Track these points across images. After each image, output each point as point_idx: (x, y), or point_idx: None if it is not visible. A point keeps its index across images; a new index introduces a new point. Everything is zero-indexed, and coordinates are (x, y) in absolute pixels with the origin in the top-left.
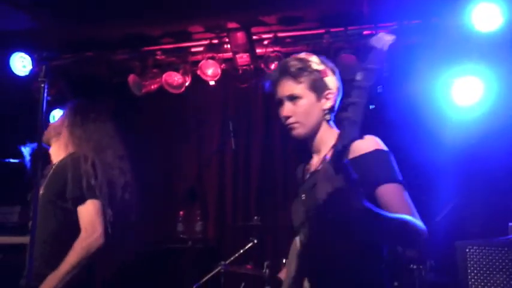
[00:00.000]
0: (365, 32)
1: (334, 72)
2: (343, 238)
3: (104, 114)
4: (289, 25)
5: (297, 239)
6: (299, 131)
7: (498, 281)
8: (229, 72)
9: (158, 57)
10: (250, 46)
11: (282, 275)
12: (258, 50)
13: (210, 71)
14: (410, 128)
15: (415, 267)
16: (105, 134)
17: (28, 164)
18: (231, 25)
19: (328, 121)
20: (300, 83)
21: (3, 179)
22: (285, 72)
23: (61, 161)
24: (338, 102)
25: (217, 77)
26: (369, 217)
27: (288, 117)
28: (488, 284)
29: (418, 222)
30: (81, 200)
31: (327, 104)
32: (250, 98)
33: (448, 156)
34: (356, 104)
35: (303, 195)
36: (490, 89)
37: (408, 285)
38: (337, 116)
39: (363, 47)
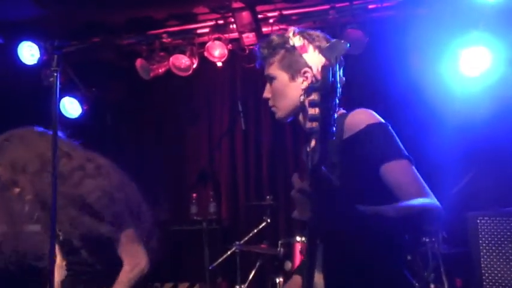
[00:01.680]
0: (370, 6)
1: (319, 48)
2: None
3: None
4: (294, 2)
5: None
6: (278, 114)
7: (510, 250)
8: (236, 52)
9: (164, 40)
10: (256, 25)
11: None
12: (264, 29)
13: (217, 52)
14: (417, 100)
15: (427, 240)
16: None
17: None
18: (236, 5)
19: None
20: (273, 62)
21: None
22: (261, 52)
23: None
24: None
25: (224, 57)
26: (364, 222)
27: (267, 100)
28: (500, 254)
29: (428, 199)
30: (116, 240)
31: (305, 84)
32: (258, 77)
33: (456, 128)
34: (318, 121)
35: None
36: (498, 59)
37: (421, 258)
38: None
39: (368, 21)
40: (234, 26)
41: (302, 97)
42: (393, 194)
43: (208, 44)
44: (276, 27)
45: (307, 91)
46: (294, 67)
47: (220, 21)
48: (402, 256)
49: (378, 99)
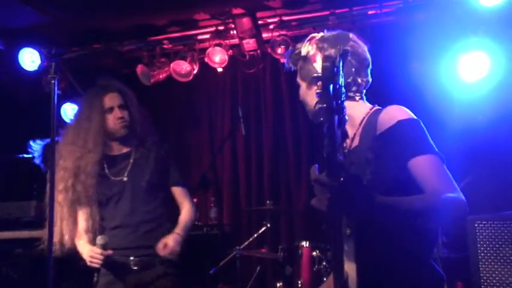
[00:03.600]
0: (370, 12)
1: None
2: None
3: None
4: (294, 8)
5: None
6: (310, 117)
7: (507, 254)
8: (237, 58)
9: (165, 46)
10: (256, 31)
11: None
12: (264, 35)
13: (218, 58)
14: (416, 105)
15: None
16: None
17: (39, 160)
18: (236, 11)
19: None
20: (296, 71)
21: (18, 174)
22: (288, 62)
23: (156, 150)
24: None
25: (225, 63)
26: (379, 213)
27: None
28: (498, 258)
29: (452, 194)
30: (181, 183)
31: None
32: (259, 83)
33: (455, 133)
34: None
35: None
36: (497, 64)
37: None
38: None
39: (368, 27)
40: (235, 32)
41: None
42: (421, 188)
43: (208, 50)
44: (276, 33)
45: (311, 82)
46: (309, 76)
47: (221, 27)
48: (432, 246)
49: (378, 104)
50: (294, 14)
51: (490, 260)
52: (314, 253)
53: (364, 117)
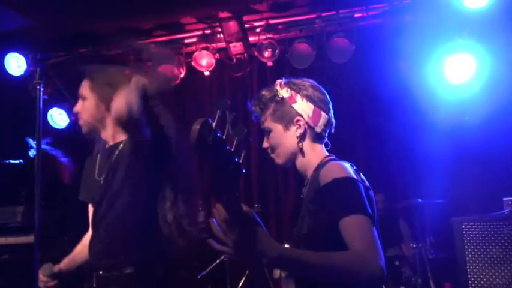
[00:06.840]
0: (356, 15)
1: (307, 96)
2: None
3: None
4: (281, 11)
5: None
6: (277, 161)
7: (494, 255)
8: (224, 61)
9: (152, 50)
10: (243, 35)
11: None
12: (251, 38)
13: (204, 62)
14: (403, 107)
15: (415, 245)
16: None
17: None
18: (223, 14)
19: (308, 144)
20: (266, 116)
21: (4, 179)
22: (255, 107)
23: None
24: (321, 122)
25: (212, 67)
26: (283, 266)
27: (267, 149)
28: (485, 258)
29: (368, 256)
30: None
31: (298, 131)
32: (246, 86)
33: (442, 134)
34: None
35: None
36: (482, 65)
37: (409, 264)
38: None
39: (355, 29)
40: (221, 35)
41: (300, 144)
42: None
43: (195, 54)
44: (263, 36)
45: (289, 123)
46: (286, 118)
47: (208, 31)
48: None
49: (365, 106)
50: (280, 18)
51: (477, 261)
52: None
53: (315, 167)
